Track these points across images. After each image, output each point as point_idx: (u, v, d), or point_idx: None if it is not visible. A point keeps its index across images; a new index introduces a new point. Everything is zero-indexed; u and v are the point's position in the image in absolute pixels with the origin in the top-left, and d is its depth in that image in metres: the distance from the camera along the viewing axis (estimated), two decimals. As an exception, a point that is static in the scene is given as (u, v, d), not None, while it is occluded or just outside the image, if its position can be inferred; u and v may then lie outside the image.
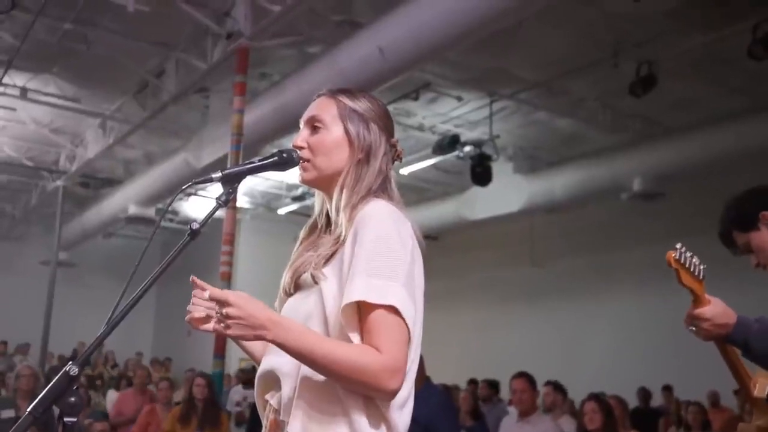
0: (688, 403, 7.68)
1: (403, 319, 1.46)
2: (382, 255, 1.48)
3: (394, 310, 1.45)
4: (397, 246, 1.50)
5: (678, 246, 2.00)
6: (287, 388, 1.54)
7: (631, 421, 6.12)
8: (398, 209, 1.59)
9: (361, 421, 1.46)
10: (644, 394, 9.41)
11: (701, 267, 2.03)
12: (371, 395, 1.46)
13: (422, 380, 4.87)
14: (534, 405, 5.23)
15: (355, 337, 1.47)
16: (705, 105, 8.50)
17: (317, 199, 1.75)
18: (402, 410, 1.52)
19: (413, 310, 1.49)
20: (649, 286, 10.93)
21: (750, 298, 2.93)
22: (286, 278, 1.67)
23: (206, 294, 1.47)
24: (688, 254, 2.01)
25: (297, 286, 1.64)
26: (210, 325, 1.51)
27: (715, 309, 2.02)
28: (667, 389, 9.70)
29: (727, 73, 7.81)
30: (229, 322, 1.42)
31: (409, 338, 1.48)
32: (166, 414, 6.25)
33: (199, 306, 1.55)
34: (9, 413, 5.29)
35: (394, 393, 1.45)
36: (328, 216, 1.70)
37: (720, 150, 8.29)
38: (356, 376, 1.42)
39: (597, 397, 5.01)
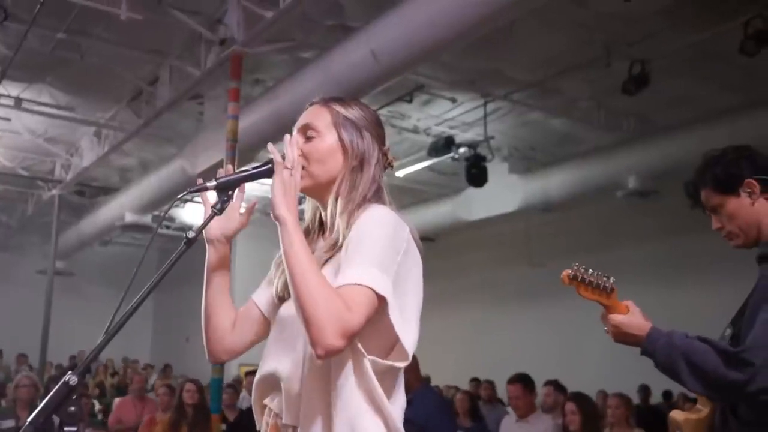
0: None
1: (376, 293, 1.43)
2: (369, 246, 1.48)
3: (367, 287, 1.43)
4: (387, 243, 1.50)
5: (575, 265, 2.06)
6: (290, 390, 1.54)
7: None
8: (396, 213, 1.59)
9: (362, 421, 1.47)
10: (645, 392, 9.40)
11: (606, 279, 2.10)
12: (309, 338, 1.41)
13: (419, 381, 4.88)
14: (531, 407, 5.17)
15: None
16: (698, 102, 8.51)
17: (309, 206, 1.75)
18: (396, 406, 1.54)
19: (389, 287, 1.46)
20: (645, 284, 10.93)
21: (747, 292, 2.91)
22: (278, 284, 1.66)
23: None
24: (588, 271, 2.07)
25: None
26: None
27: (627, 319, 2.09)
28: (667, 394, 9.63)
29: (719, 69, 7.83)
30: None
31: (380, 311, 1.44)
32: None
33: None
34: (9, 423, 5.27)
35: (332, 351, 1.40)
36: (320, 222, 1.72)
37: (714, 146, 8.26)
38: (312, 313, 1.39)
39: (576, 397, 4.85)
